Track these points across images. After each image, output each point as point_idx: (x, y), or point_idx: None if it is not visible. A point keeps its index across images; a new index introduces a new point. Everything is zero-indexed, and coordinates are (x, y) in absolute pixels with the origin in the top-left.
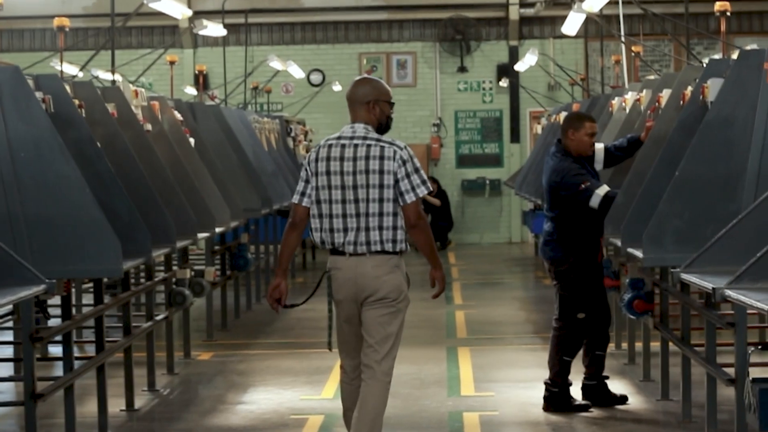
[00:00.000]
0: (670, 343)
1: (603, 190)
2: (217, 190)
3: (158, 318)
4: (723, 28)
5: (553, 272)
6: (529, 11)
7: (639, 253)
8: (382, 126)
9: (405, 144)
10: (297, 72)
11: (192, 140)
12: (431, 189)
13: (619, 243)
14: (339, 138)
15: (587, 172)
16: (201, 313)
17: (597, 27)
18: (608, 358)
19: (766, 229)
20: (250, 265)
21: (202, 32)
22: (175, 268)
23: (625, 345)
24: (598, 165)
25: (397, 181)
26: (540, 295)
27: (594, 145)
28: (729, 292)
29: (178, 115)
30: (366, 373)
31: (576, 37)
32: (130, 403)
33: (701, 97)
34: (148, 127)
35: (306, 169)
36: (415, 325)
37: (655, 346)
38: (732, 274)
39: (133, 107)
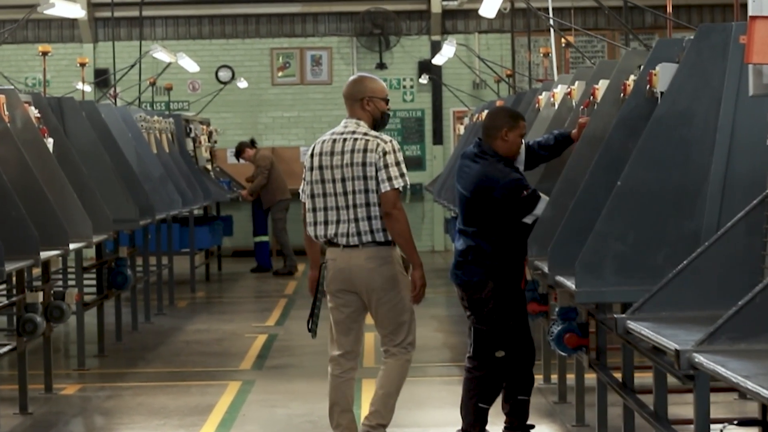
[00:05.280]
0: None
1: (545, 197)
2: (77, 200)
3: (2, 351)
4: (669, 8)
5: (467, 300)
6: (452, 4)
7: (571, 284)
8: (378, 122)
9: (391, 139)
10: (190, 65)
11: (50, 141)
12: (407, 183)
13: (546, 269)
14: (333, 133)
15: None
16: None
17: (525, 21)
18: (535, 394)
19: (740, 260)
20: (130, 282)
21: (49, 11)
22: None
23: (554, 378)
24: (519, 166)
25: (377, 171)
26: (461, 314)
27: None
28: (701, 359)
29: (35, 112)
30: (386, 354)
31: (502, 31)
32: None
33: (648, 86)
34: None
35: (304, 165)
36: (313, 350)
37: (591, 378)
38: (697, 322)
39: None
